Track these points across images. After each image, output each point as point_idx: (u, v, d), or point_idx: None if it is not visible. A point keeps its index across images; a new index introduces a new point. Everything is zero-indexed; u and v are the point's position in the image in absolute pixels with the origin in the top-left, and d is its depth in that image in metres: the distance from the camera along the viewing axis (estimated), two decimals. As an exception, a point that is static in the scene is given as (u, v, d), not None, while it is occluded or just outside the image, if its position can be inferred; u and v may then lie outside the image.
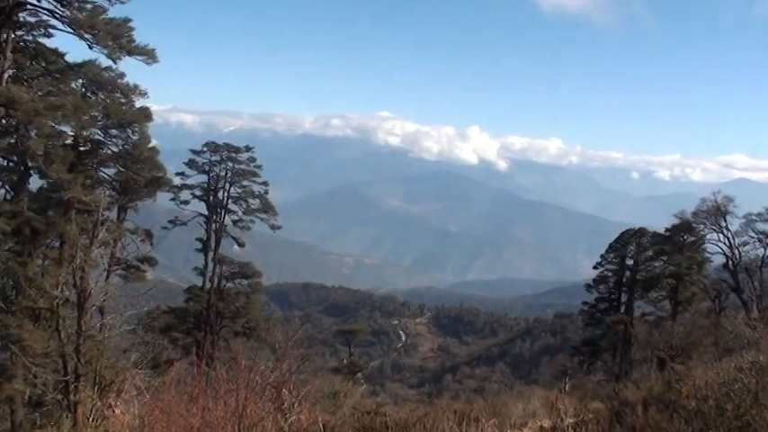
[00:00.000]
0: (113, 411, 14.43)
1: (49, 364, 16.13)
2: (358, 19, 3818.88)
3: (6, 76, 18.24)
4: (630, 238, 45.41)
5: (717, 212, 41.70)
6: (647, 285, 44.27)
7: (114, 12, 19.15)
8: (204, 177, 37.03)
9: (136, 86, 21.55)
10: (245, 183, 37.29)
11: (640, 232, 45.43)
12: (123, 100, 22.11)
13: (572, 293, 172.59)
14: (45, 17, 19.02)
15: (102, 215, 15.81)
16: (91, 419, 14.26)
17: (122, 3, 19.17)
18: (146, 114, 22.60)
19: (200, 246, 36.98)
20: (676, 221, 44.28)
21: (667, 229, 44.60)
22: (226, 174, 37.03)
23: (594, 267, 47.03)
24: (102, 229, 15.60)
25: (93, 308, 15.42)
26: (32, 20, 19.22)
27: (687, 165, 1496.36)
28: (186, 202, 36.74)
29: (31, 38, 19.56)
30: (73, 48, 19.94)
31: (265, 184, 37.87)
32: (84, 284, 13.72)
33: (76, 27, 18.46)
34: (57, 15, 18.66)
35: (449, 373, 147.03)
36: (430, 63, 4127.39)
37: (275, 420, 10.03)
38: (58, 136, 19.92)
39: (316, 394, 12.03)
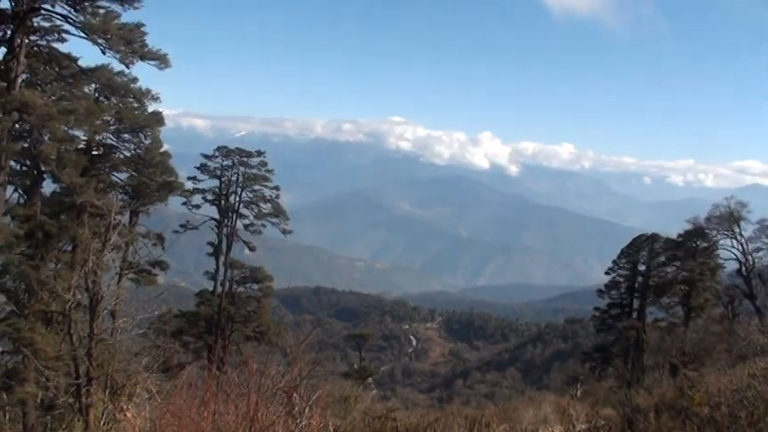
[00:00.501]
0: (125, 415, 14.48)
1: (61, 367, 16.17)
2: (370, 23, 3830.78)
3: (20, 80, 18.31)
4: (643, 244, 45.13)
5: (730, 218, 41.41)
6: (660, 291, 43.98)
7: (127, 17, 19.21)
8: (216, 182, 37.09)
9: (148, 91, 21.61)
10: (256, 187, 37.32)
11: (653, 238, 45.12)
12: (136, 104, 22.17)
13: (583, 299, 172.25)
14: (59, 22, 19.03)
15: (115, 219, 15.84)
16: (102, 423, 14.33)
17: (135, 8, 19.25)
18: (158, 119, 22.63)
19: (211, 250, 37.07)
20: (689, 227, 44.01)
21: (680, 235, 44.32)
22: (237, 178, 37.10)
23: (606, 273, 46.79)
24: (115, 233, 15.62)
25: (105, 311, 15.50)
26: (46, 25, 19.25)
27: (700, 170, 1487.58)
28: (198, 207, 36.80)
29: (44, 43, 19.59)
30: (86, 52, 20.16)
31: (277, 188, 37.88)
32: (96, 288, 13.75)
33: (90, 32, 18.50)
34: (70, 20, 18.68)
35: (459, 378, 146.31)
36: (441, 68, 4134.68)
37: (286, 424, 10.03)
38: (71, 140, 19.97)
39: (326, 399, 12.00)
